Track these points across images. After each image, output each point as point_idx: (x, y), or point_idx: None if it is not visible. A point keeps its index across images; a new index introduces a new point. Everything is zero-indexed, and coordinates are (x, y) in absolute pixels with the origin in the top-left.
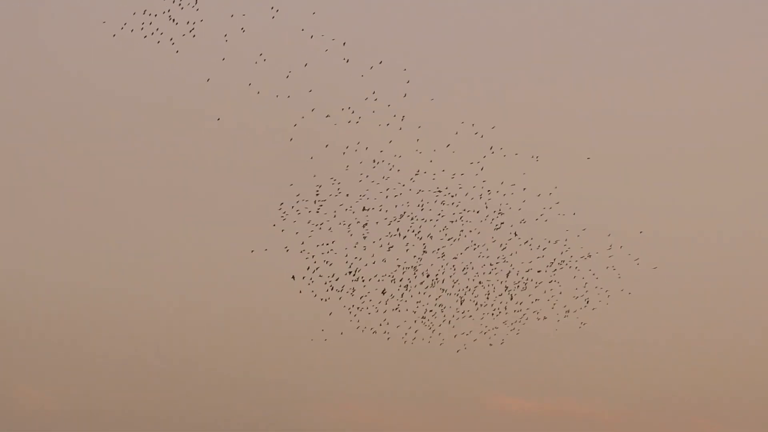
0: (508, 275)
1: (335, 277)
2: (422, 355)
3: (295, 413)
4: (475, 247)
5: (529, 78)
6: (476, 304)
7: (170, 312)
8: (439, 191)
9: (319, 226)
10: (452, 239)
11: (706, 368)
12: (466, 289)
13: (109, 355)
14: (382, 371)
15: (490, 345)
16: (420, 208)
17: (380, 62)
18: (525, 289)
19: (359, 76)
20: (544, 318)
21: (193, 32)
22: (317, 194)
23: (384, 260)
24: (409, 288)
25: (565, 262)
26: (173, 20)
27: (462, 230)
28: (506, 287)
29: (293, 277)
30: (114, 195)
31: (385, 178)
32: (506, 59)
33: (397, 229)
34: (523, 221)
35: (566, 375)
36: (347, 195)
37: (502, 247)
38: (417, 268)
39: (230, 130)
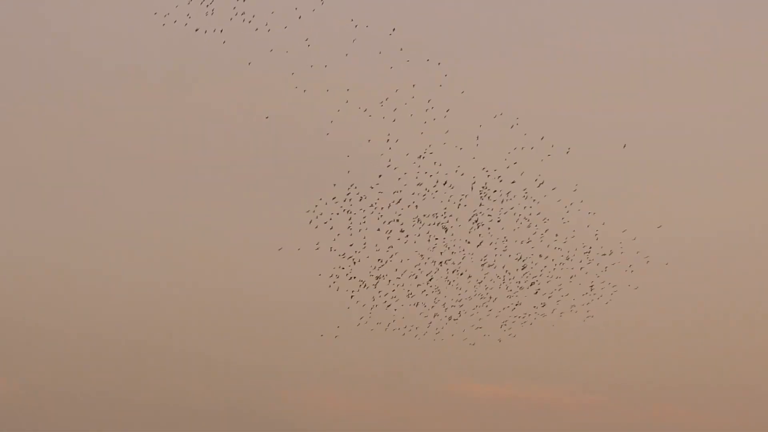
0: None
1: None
2: (390, 342)
3: (265, 398)
4: (490, 241)
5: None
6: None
7: (177, 301)
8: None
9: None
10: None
11: (669, 355)
12: (450, 277)
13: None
14: (349, 357)
15: (469, 341)
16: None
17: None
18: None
19: (391, 68)
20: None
21: (243, 16)
22: (349, 194)
23: (378, 249)
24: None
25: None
26: (211, 10)
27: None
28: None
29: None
30: (141, 189)
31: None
32: (534, 57)
33: (397, 219)
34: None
35: (528, 361)
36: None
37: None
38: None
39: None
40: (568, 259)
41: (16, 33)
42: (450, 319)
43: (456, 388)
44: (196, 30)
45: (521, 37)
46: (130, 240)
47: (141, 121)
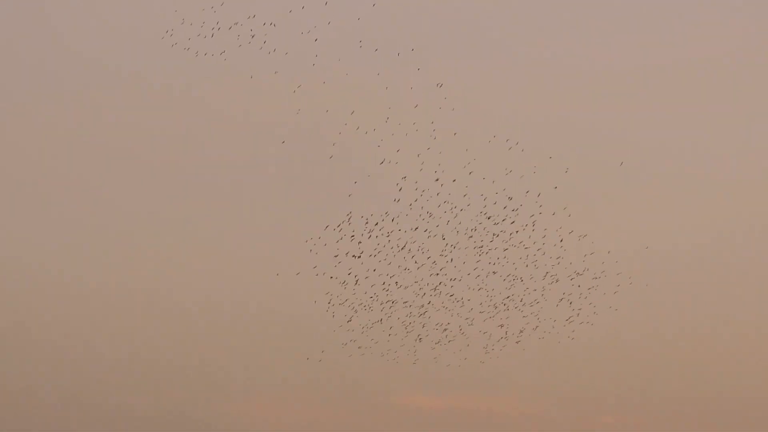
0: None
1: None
2: (341, 355)
3: (209, 411)
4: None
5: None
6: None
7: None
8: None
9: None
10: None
11: (615, 368)
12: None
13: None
14: (296, 370)
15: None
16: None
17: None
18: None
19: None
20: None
21: (252, 35)
22: (367, 223)
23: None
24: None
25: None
26: (218, 26)
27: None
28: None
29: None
30: (149, 205)
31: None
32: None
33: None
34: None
35: (474, 372)
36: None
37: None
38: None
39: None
40: (521, 280)
41: (17, 35)
42: (418, 339)
43: (402, 401)
44: (205, 55)
45: (519, 55)
46: (132, 248)
47: (144, 129)
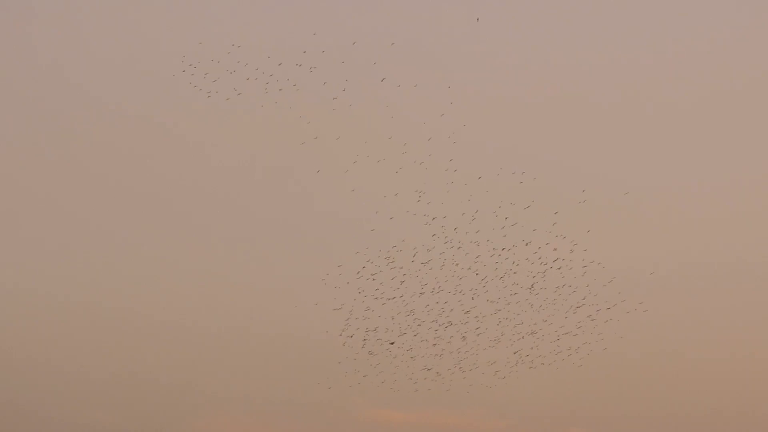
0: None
1: None
2: (307, 369)
3: (176, 420)
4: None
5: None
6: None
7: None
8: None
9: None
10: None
11: (583, 382)
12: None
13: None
14: (266, 381)
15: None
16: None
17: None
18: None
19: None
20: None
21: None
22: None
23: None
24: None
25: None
26: (230, 72)
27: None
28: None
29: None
30: (170, 240)
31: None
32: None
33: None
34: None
35: (442, 388)
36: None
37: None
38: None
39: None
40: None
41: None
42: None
43: (373, 416)
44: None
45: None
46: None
47: (158, 171)
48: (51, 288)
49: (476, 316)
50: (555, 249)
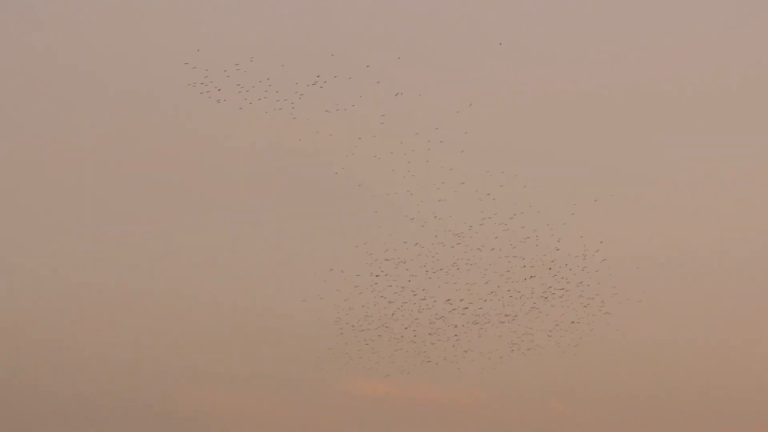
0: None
1: None
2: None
3: (157, 394)
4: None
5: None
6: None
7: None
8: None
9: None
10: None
11: (559, 359)
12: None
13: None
14: (241, 355)
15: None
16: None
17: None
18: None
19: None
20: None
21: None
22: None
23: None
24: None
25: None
26: (240, 87)
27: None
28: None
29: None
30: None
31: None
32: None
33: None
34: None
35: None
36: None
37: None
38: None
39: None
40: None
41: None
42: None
43: (350, 388)
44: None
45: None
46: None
47: (168, 152)
48: (40, 264)
49: (473, 303)
50: (559, 240)
